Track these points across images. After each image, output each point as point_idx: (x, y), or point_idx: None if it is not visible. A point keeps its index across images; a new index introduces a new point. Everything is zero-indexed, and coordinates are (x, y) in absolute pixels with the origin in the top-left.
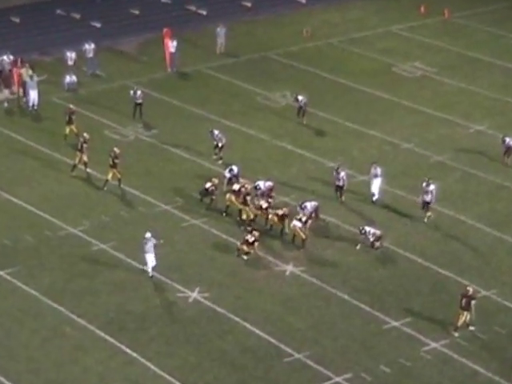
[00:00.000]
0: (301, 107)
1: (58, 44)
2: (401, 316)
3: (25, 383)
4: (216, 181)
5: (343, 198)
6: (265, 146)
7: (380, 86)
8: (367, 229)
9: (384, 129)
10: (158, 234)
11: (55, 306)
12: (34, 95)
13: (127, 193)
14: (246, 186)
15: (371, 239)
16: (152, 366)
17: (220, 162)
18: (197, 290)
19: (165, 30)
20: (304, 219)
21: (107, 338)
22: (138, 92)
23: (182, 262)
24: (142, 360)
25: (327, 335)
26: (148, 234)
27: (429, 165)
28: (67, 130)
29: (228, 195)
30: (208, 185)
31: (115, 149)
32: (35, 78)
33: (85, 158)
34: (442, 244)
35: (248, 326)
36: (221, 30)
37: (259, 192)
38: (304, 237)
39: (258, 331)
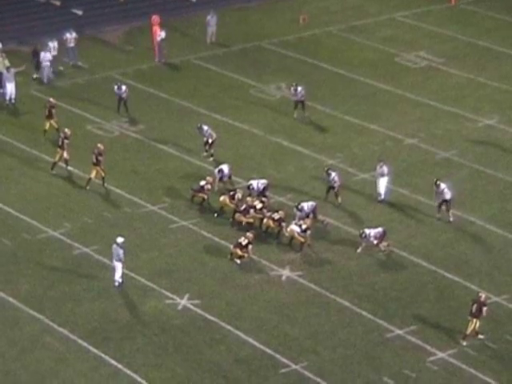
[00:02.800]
0: (299, 101)
1: (37, 33)
2: (405, 324)
3: None
4: (211, 179)
5: (339, 199)
6: (259, 142)
7: (382, 78)
8: (367, 231)
9: (386, 123)
10: (143, 236)
11: (34, 314)
12: (10, 88)
13: (111, 192)
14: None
15: (375, 242)
16: (138, 379)
17: (211, 159)
18: (186, 296)
19: (153, 17)
20: (304, 227)
21: (90, 348)
22: (123, 87)
23: (171, 266)
24: (128, 372)
25: (326, 345)
26: (120, 239)
27: (435, 162)
28: (47, 125)
29: (222, 197)
30: (203, 182)
31: (99, 145)
32: (12, 70)
33: (65, 155)
34: (449, 247)
35: (241, 334)
36: (211, 18)
37: (253, 192)
38: (303, 240)
39: (251, 340)
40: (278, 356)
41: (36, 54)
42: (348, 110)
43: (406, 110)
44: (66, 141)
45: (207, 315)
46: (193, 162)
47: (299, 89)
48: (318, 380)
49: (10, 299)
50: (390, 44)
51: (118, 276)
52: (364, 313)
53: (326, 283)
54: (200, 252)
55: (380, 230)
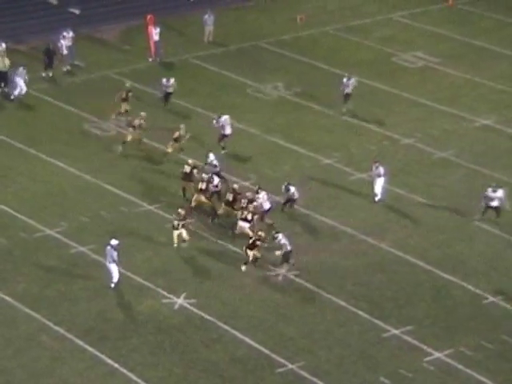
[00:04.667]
0: (348, 93)
1: (34, 32)
2: (401, 324)
3: None
4: (192, 163)
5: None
6: (255, 141)
7: (379, 77)
8: (280, 237)
9: (383, 123)
10: (140, 235)
11: (30, 313)
12: (21, 84)
13: (108, 192)
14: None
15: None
16: (135, 378)
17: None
18: (183, 295)
19: (148, 16)
20: (249, 217)
21: (86, 347)
22: (171, 80)
23: (167, 265)
24: (124, 371)
25: (322, 344)
26: (114, 241)
27: (431, 161)
28: (122, 108)
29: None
30: (187, 168)
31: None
32: (21, 69)
33: (136, 137)
34: (446, 247)
35: (237, 334)
36: (209, 17)
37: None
38: (251, 234)
39: (248, 340)
40: (274, 355)
41: (48, 53)
42: (343, 109)
43: (403, 110)
44: (142, 121)
45: (203, 314)
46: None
47: (352, 80)
48: (314, 380)
49: (7, 298)
50: (387, 44)
51: (115, 278)
52: (360, 312)
53: (322, 283)
54: (197, 251)
55: (288, 247)
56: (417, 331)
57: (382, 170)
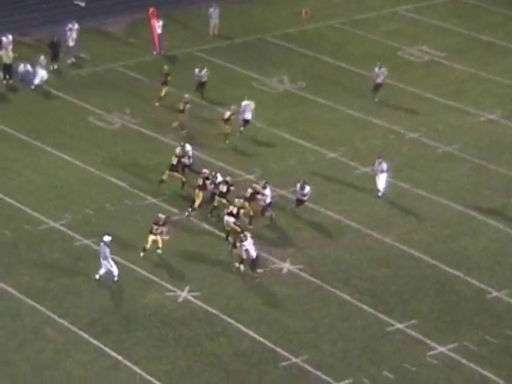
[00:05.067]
0: (380, 84)
1: (39, 24)
2: (405, 318)
3: None
4: (178, 151)
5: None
6: (260, 134)
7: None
8: (245, 244)
9: (389, 117)
10: (144, 228)
11: (35, 305)
12: (42, 73)
13: (112, 184)
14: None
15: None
16: (138, 371)
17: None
18: (187, 289)
19: (150, 9)
20: (235, 211)
21: (90, 340)
22: (204, 70)
23: (171, 258)
24: (128, 364)
25: (326, 338)
26: (107, 238)
27: (436, 156)
28: (162, 92)
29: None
30: (175, 160)
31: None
32: (42, 58)
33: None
34: (450, 241)
35: (242, 327)
36: (214, 11)
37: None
38: (239, 230)
39: (252, 333)
40: (278, 349)
41: (53, 45)
42: (350, 103)
43: (408, 104)
44: (187, 106)
45: (208, 308)
46: (195, 153)
47: (382, 69)
48: (318, 373)
49: (11, 290)
50: (393, 38)
51: (115, 272)
52: (364, 307)
53: (326, 277)
54: (201, 244)
55: (253, 254)
56: (421, 325)
57: (385, 165)
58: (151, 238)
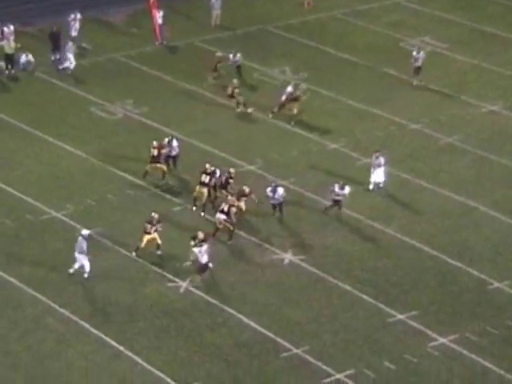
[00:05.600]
0: (419, 67)
1: (42, 14)
2: (407, 309)
3: (2, 379)
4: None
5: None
6: (262, 125)
7: (387, 62)
8: (196, 250)
9: (390, 108)
10: (146, 219)
11: (36, 295)
12: (71, 58)
13: (114, 174)
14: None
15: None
16: (140, 361)
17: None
18: (188, 279)
19: (151, 0)
20: (226, 208)
21: (92, 330)
22: (238, 54)
23: (173, 249)
24: (130, 354)
25: (328, 329)
26: (85, 232)
27: (438, 147)
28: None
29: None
30: (155, 152)
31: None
32: (71, 44)
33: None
34: (452, 232)
35: (243, 318)
36: (216, 1)
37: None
38: (231, 228)
39: (253, 324)
40: (279, 340)
41: (53, 36)
42: (352, 94)
43: (410, 95)
44: (236, 90)
45: (209, 298)
46: (196, 144)
47: (421, 53)
48: (319, 364)
49: (13, 280)
50: (395, 29)
51: (87, 268)
52: (366, 297)
53: (328, 267)
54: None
55: (204, 259)
56: (422, 316)
57: (382, 159)
58: (146, 237)
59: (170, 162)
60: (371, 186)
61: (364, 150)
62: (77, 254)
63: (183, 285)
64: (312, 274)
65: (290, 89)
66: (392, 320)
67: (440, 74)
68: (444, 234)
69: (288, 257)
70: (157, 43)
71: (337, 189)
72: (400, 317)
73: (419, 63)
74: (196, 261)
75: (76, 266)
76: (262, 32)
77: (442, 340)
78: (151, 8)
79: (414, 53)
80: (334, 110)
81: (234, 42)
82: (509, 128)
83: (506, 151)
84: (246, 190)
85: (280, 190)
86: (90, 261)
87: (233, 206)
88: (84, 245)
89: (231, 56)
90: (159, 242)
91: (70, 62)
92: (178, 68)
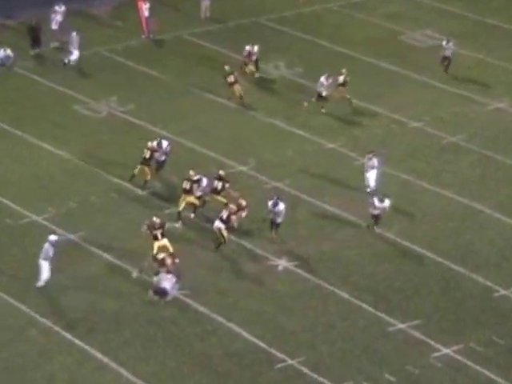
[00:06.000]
0: (447, 57)
1: (23, 6)
2: (408, 317)
3: None
4: (152, 144)
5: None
6: (256, 124)
7: (386, 57)
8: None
9: (390, 105)
10: (132, 222)
11: (16, 304)
12: (74, 51)
13: (98, 176)
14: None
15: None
16: (126, 372)
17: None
18: (176, 286)
19: None
20: (225, 216)
21: (75, 340)
22: (256, 46)
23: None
24: (115, 365)
25: (324, 338)
26: (53, 237)
27: (441, 146)
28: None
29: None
30: (147, 153)
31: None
32: (74, 34)
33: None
34: (455, 236)
35: (234, 327)
36: None
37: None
38: (223, 240)
39: (245, 333)
40: (272, 350)
41: (32, 30)
42: (349, 90)
43: (411, 92)
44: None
45: (198, 306)
46: (184, 143)
47: (451, 44)
48: (315, 376)
49: None
50: (394, 21)
51: (44, 276)
52: (364, 305)
53: (324, 274)
54: (192, 240)
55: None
56: (424, 325)
57: (376, 161)
58: (156, 244)
59: (158, 164)
60: (369, 190)
61: (363, 149)
62: (41, 261)
63: (173, 293)
64: (307, 280)
65: (323, 79)
66: (392, 329)
67: (442, 69)
68: (447, 238)
69: (282, 263)
70: (143, 36)
71: (376, 202)
72: (401, 326)
73: (449, 53)
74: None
75: (44, 276)
76: (254, 25)
77: (445, 350)
78: (137, 0)
79: (444, 42)
80: (331, 108)
81: (225, 35)
82: None
83: (511, 150)
84: (243, 203)
85: (281, 206)
86: (49, 270)
87: (233, 214)
88: (50, 251)
89: (248, 47)
90: (171, 249)
91: (73, 54)
92: (165, 63)
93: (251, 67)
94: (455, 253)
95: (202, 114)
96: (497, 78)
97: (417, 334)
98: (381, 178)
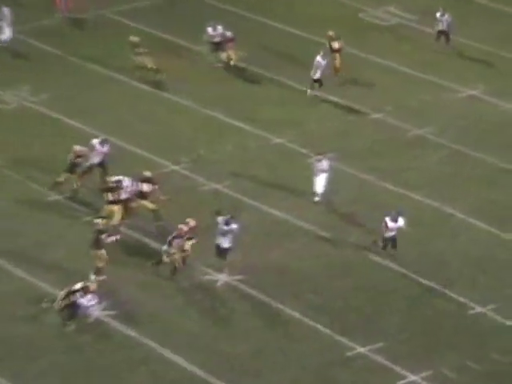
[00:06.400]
0: (443, 31)
1: None
2: (369, 340)
3: None
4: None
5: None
6: (190, 116)
7: (344, 38)
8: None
9: (347, 93)
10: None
11: None
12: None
13: (7, 178)
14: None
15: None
16: None
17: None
18: (100, 306)
19: None
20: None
21: None
22: (447, 14)
23: (79, 270)
24: None
25: (272, 365)
26: None
27: (406, 140)
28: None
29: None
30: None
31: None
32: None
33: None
34: (423, 245)
35: (167, 353)
36: None
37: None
38: (177, 264)
39: (180, 360)
40: (212, 379)
41: None
42: (302, 77)
43: (372, 78)
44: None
45: (125, 329)
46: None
47: (446, 16)
48: None
49: None
50: None
51: None
52: (319, 326)
53: (271, 289)
54: (116, 252)
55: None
56: (388, 349)
57: (326, 164)
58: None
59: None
60: (317, 199)
61: (315, 145)
62: None
63: (93, 313)
64: (252, 297)
65: (319, 58)
66: (351, 354)
67: (408, 51)
68: (414, 247)
69: (222, 277)
70: (59, 15)
71: (389, 222)
72: (361, 349)
73: (443, 27)
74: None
75: None
76: (190, 1)
77: (413, 377)
78: None
79: (438, 14)
80: (280, 97)
81: (155, 13)
82: (491, 116)
83: (488, 145)
84: (191, 223)
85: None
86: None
87: (179, 237)
88: None
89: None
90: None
91: (4, 33)
92: (84, 46)
93: (230, 53)
94: (423, 264)
95: (126, 104)
96: (470, 61)
97: (379, 359)
98: (336, 178)
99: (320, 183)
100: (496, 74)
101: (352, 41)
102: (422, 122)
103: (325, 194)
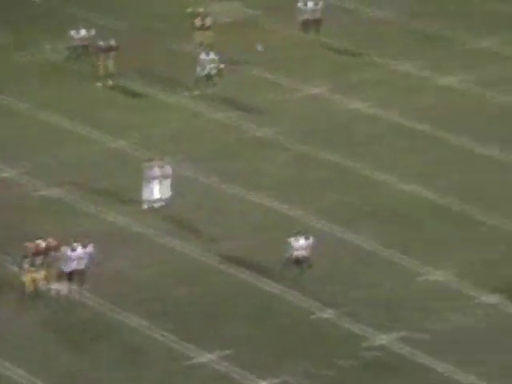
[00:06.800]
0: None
1: None
2: (213, 347)
3: None
4: None
5: None
6: (21, 119)
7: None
8: None
9: (196, 95)
10: None
11: None
12: None
13: None
14: None
15: None
16: None
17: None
18: None
19: None
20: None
21: None
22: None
23: None
24: None
25: (111, 377)
26: None
27: (251, 142)
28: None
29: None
30: None
31: None
32: None
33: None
34: (267, 250)
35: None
36: None
37: None
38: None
39: (7, 373)
40: None
41: None
42: (132, 76)
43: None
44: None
45: None
46: None
47: (320, 4)
48: None
49: None
50: None
51: None
52: (157, 336)
53: (112, 298)
54: None
55: None
56: (232, 357)
57: (169, 168)
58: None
59: None
60: (146, 206)
61: (157, 148)
62: None
63: None
64: (90, 307)
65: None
66: (193, 363)
67: (247, 48)
68: (258, 252)
69: (56, 287)
70: None
71: (293, 242)
72: (206, 357)
73: (317, 15)
74: None
75: None
76: None
77: None
78: None
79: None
80: (112, 98)
81: None
82: (337, 116)
83: (334, 145)
84: (53, 242)
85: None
86: None
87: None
88: None
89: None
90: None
91: None
92: None
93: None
94: (265, 268)
95: None
96: (314, 57)
97: (223, 368)
98: (181, 182)
99: (152, 189)
100: (341, 71)
101: (185, 38)
102: (266, 122)
103: (168, 200)
